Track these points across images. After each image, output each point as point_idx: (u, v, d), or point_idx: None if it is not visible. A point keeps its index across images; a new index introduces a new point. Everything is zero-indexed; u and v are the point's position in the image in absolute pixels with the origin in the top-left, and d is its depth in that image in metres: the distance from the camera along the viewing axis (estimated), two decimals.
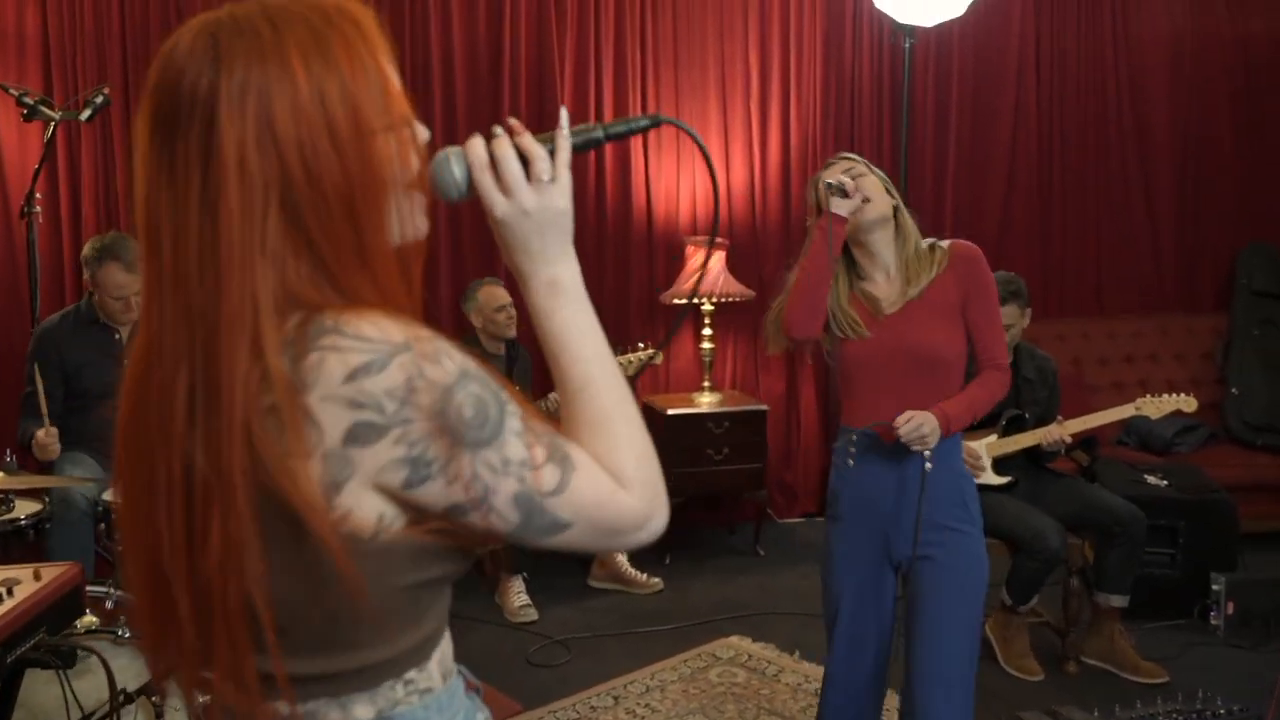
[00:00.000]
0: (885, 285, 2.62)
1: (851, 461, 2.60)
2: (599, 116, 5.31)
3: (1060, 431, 4.03)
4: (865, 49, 5.65)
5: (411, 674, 1.11)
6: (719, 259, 5.22)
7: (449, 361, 1.01)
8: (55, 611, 2.51)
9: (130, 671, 2.97)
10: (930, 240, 2.69)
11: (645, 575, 4.87)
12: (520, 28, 5.17)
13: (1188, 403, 4.04)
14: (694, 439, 5.12)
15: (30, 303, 4.21)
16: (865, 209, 2.54)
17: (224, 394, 0.97)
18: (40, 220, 4.16)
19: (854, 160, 2.66)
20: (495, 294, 4.77)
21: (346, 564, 0.99)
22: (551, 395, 4.71)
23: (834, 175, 2.57)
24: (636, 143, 5.38)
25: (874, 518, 2.59)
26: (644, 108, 5.39)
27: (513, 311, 4.77)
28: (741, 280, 5.38)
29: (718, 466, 5.16)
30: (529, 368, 4.97)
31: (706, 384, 5.33)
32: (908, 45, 5.18)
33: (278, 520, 0.98)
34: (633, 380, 5.23)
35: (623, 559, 4.88)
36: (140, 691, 2.94)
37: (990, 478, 4.11)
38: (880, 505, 2.58)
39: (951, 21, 5.34)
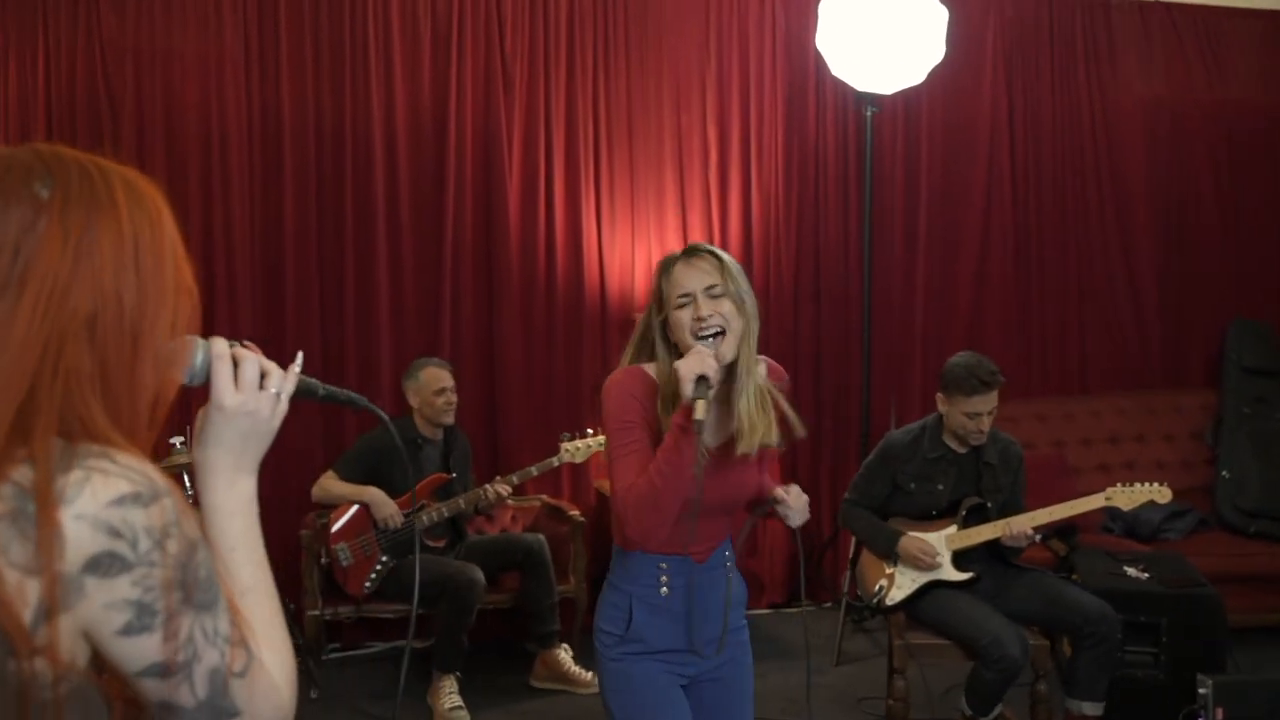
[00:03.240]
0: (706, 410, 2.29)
1: (665, 590, 2.31)
2: (549, 190, 5.12)
3: (1025, 524, 3.73)
4: (829, 118, 5.45)
5: None
6: None
7: (194, 520, 1.04)
8: None
9: None
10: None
11: (590, 674, 4.54)
12: (467, 96, 5.00)
13: (1161, 493, 3.74)
14: None
15: None
16: (718, 342, 2.22)
17: None
18: None
19: (719, 272, 2.25)
20: (438, 375, 4.53)
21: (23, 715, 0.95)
22: (495, 485, 4.46)
23: (696, 344, 2.19)
24: (589, 210, 5.18)
25: (687, 641, 2.34)
26: (597, 180, 5.19)
27: (453, 397, 4.54)
28: None
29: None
30: (468, 454, 4.71)
31: None
32: (869, 114, 4.98)
33: None
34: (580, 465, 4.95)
35: (566, 656, 4.56)
36: None
37: (949, 573, 3.81)
38: (695, 629, 2.32)
39: (919, 88, 5.16)
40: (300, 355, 1.28)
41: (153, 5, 4.62)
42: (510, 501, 4.97)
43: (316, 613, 4.44)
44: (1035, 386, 5.68)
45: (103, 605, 0.97)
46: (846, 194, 5.49)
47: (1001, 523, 3.75)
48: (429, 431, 4.56)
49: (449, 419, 4.54)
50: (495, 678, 4.59)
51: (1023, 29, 5.68)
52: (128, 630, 0.98)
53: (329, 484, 4.44)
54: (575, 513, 4.87)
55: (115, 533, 0.96)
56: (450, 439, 4.61)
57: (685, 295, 2.24)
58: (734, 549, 2.47)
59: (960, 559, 3.82)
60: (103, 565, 0.96)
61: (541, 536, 4.65)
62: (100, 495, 0.96)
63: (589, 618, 4.79)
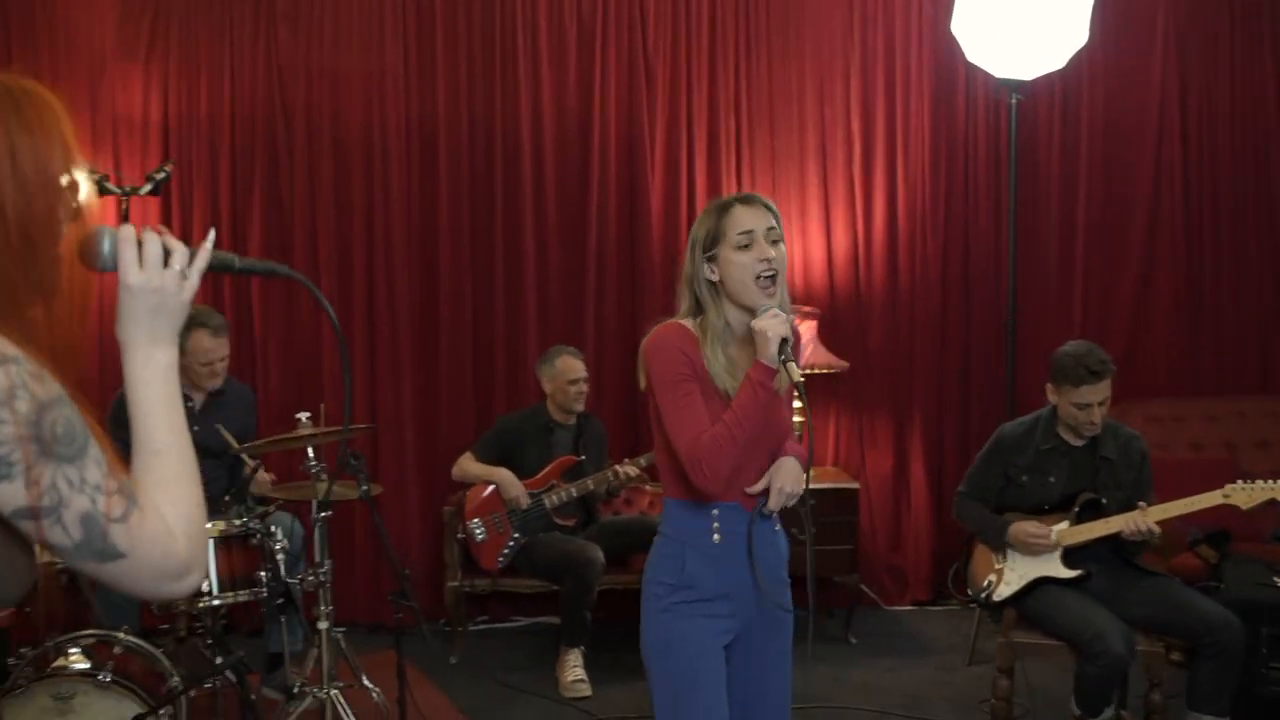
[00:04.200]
0: (743, 358, 2.42)
1: (717, 538, 2.38)
2: (691, 184, 5.26)
3: (1144, 520, 3.56)
4: (980, 105, 5.32)
5: None
6: (808, 328, 5.00)
7: (50, 384, 1.15)
8: None
9: (113, 713, 3.11)
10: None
11: None
12: (610, 95, 5.20)
13: None
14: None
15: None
16: (773, 289, 2.35)
17: None
18: None
19: (774, 218, 2.38)
20: (573, 366, 4.73)
21: None
22: (624, 467, 4.61)
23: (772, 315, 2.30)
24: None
25: (741, 591, 2.40)
26: (738, 174, 5.28)
27: (585, 387, 4.73)
28: (842, 350, 5.14)
29: (803, 546, 4.86)
30: (601, 437, 4.89)
31: None
32: (1014, 100, 4.84)
33: None
34: None
35: None
36: None
37: (1058, 569, 3.68)
38: (745, 579, 2.40)
39: (1079, 71, 5.00)
40: (212, 231, 1.37)
41: (323, 26, 5.08)
42: (648, 487, 5.13)
43: (456, 584, 4.75)
44: (1206, 384, 5.33)
45: None
46: (998, 183, 5.34)
47: (1121, 517, 3.59)
48: (561, 417, 4.78)
49: (579, 406, 4.74)
50: (621, 655, 4.74)
51: (1198, 4, 5.35)
52: None
53: (466, 464, 4.73)
54: None
55: None
56: (583, 423, 4.81)
57: (746, 233, 2.33)
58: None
59: (1073, 556, 3.68)
60: None
61: None
62: None
63: None
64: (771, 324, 2.25)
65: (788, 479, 2.37)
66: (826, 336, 5.13)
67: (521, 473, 4.66)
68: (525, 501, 4.61)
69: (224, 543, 3.55)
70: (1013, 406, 5.08)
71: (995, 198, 5.35)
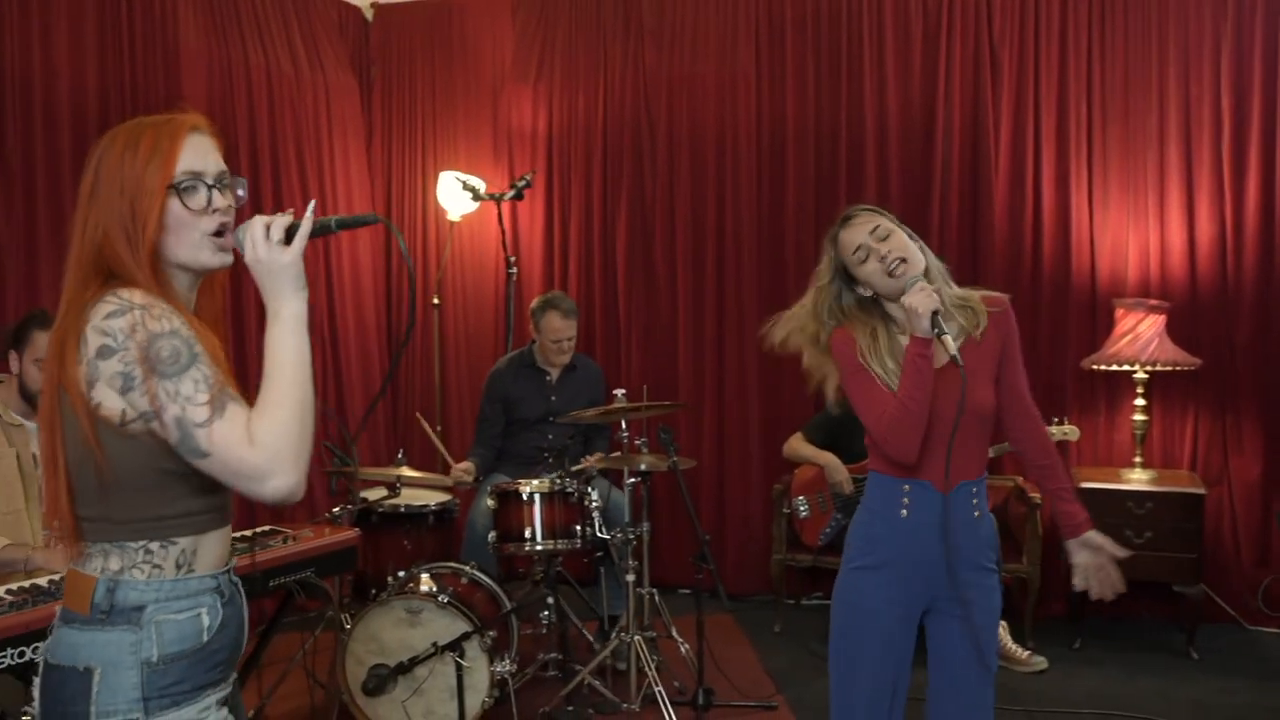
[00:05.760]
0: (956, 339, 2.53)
1: (905, 512, 2.53)
2: (1037, 174, 5.15)
3: None
4: None
5: (153, 546, 1.62)
6: (1153, 323, 4.73)
7: (166, 322, 1.56)
8: (325, 561, 3.38)
9: (451, 630, 3.77)
10: (963, 291, 2.61)
11: (1027, 653, 4.59)
12: (954, 87, 5.22)
13: None
14: (1109, 516, 4.68)
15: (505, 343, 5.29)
16: (905, 268, 2.49)
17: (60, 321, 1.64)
18: (515, 278, 5.21)
19: (876, 215, 2.56)
20: None
21: (93, 438, 1.57)
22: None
23: (919, 293, 2.43)
24: (1079, 193, 5.09)
25: (922, 566, 2.52)
26: (1089, 163, 5.08)
27: None
28: (1202, 346, 4.83)
29: (1137, 550, 4.65)
30: None
31: (1138, 459, 4.83)
32: None
33: (68, 406, 1.59)
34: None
35: (1003, 632, 4.64)
36: (448, 647, 3.72)
37: None
38: (929, 553, 2.51)
39: None
40: (313, 202, 1.71)
41: (682, 39, 5.58)
42: None
43: (780, 557, 5.07)
44: None
45: (109, 376, 1.55)
46: None
47: None
48: None
49: None
50: (923, 639, 4.82)
51: None
52: (124, 390, 1.55)
53: (796, 444, 5.01)
54: (1035, 495, 4.89)
55: (104, 333, 1.54)
56: None
57: (859, 249, 2.52)
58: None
59: None
60: (103, 353, 1.54)
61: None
62: (100, 314, 1.56)
63: (1041, 596, 4.83)
64: (920, 299, 2.41)
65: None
66: (1181, 332, 4.83)
67: (847, 458, 4.87)
68: (849, 487, 4.82)
69: (548, 498, 4.13)
70: None
71: None
